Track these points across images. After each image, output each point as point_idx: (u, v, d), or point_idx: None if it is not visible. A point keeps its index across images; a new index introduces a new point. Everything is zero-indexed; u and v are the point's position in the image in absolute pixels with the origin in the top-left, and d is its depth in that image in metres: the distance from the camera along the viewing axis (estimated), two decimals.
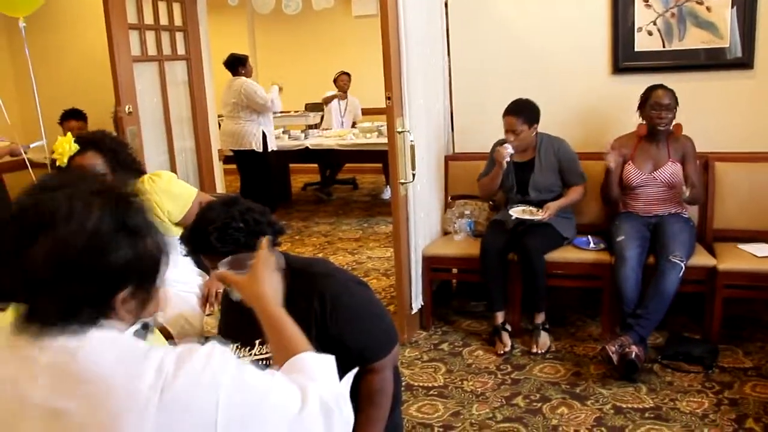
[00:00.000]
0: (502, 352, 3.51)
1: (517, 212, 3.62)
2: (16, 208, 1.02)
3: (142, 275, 1.08)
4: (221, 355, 1.08)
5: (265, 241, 1.57)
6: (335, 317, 1.88)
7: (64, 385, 0.97)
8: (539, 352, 3.49)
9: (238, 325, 1.97)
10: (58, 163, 2.42)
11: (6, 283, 1.00)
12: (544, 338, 3.55)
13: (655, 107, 3.50)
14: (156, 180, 2.63)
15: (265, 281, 1.44)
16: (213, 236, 1.83)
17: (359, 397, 1.96)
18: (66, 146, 2.39)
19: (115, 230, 1.02)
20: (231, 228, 1.84)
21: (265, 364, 1.89)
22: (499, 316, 3.63)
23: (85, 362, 0.99)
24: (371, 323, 1.97)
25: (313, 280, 1.94)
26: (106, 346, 1.02)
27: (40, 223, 0.98)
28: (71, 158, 2.41)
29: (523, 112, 3.64)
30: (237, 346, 1.96)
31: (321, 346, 1.88)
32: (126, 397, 0.97)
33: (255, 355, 1.93)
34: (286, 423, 1.10)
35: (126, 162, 2.55)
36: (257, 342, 1.93)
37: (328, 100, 7.88)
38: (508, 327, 3.64)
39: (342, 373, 1.88)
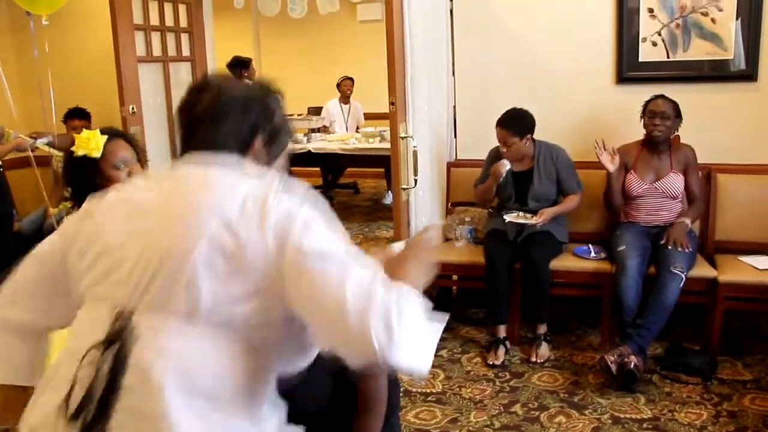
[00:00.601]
0: (492, 363, 3.48)
1: (511, 217, 3.62)
2: (194, 83, 1.52)
3: (271, 134, 1.46)
4: (323, 215, 1.32)
5: (431, 229, 1.63)
6: None
7: (195, 180, 1.36)
8: (538, 361, 3.48)
9: None
10: (93, 155, 2.41)
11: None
12: (545, 349, 3.54)
13: (650, 115, 3.52)
14: None
15: (409, 271, 1.46)
16: None
17: (361, 400, 1.96)
18: (95, 138, 2.41)
19: (258, 97, 1.47)
20: None
21: None
22: (502, 330, 3.59)
23: (217, 165, 1.38)
24: None
25: None
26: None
27: (205, 87, 1.46)
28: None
29: (513, 124, 3.62)
30: None
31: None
32: (231, 190, 1.32)
33: None
34: (345, 279, 1.21)
35: (142, 157, 2.58)
36: None
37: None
38: (508, 343, 3.61)
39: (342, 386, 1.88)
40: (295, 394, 1.85)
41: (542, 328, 3.60)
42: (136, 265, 1.28)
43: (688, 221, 3.49)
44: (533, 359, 3.49)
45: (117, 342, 1.24)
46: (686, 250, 3.35)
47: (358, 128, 7.80)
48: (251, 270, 1.24)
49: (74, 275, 1.39)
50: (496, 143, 3.89)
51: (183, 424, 1.19)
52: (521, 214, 3.64)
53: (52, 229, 4.23)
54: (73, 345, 1.31)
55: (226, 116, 1.41)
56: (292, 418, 1.86)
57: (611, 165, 3.53)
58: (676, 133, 3.58)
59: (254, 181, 1.34)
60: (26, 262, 1.52)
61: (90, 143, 2.42)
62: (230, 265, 1.24)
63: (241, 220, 1.26)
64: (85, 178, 2.48)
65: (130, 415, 1.20)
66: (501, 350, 3.53)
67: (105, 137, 2.46)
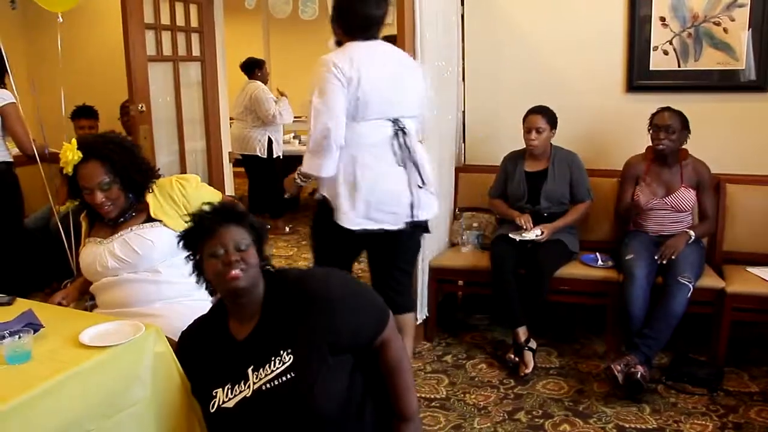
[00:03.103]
0: (524, 374, 3.40)
1: (515, 235, 3.58)
2: None
3: None
4: None
5: None
6: (339, 319, 1.85)
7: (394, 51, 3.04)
8: (527, 372, 3.41)
9: (222, 365, 1.92)
10: (65, 172, 2.43)
11: None
12: (529, 357, 3.47)
13: (656, 128, 3.49)
14: (185, 185, 2.60)
15: None
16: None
17: (385, 373, 1.94)
18: (70, 155, 2.39)
19: None
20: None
21: (267, 388, 1.83)
22: (521, 333, 3.48)
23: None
24: (366, 304, 1.96)
25: (305, 292, 1.91)
26: None
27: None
28: (76, 166, 2.42)
29: (546, 112, 3.69)
30: (228, 388, 1.88)
31: (334, 350, 1.84)
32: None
33: (254, 383, 1.84)
34: None
35: (134, 167, 2.51)
36: (249, 370, 1.86)
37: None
38: (533, 344, 3.51)
39: (366, 372, 1.93)
40: (313, 392, 1.82)
41: (524, 335, 3.50)
42: (394, 94, 2.83)
43: (692, 233, 3.46)
44: (522, 373, 3.41)
45: (400, 133, 2.85)
46: (672, 257, 3.35)
47: None
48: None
49: (356, 108, 2.75)
50: (506, 149, 3.89)
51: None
52: (524, 231, 3.61)
53: (57, 228, 4.23)
54: (372, 139, 2.80)
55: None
56: (310, 418, 1.82)
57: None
58: (684, 146, 3.55)
59: None
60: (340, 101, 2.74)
61: (66, 156, 2.40)
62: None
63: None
64: (75, 187, 2.48)
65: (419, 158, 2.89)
66: (528, 356, 3.45)
67: (79, 156, 2.41)
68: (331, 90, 2.70)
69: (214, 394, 1.90)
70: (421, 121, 3.07)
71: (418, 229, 2.97)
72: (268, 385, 1.82)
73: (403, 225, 2.84)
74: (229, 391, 1.87)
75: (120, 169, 2.46)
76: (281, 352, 1.84)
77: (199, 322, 2.05)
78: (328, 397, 1.80)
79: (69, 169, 2.41)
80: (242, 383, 1.86)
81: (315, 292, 1.88)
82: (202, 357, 1.98)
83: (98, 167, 2.42)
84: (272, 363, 1.84)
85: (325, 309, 1.85)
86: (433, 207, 3.00)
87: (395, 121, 2.84)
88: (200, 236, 1.92)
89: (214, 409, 1.89)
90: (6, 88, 3.99)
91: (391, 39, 3.12)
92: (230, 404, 1.86)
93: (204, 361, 1.97)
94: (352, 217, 2.79)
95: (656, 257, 3.40)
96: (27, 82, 4.82)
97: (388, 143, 2.82)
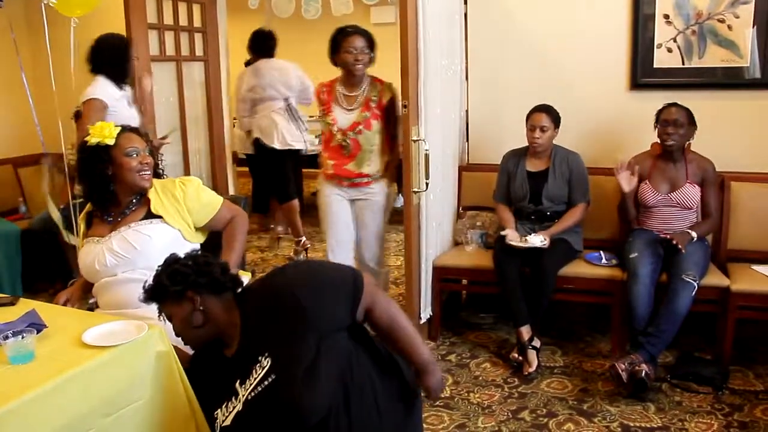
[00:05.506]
0: (527, 373, 3.39)
1: (515, 240, 3.54)
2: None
3: None
4: None
5: None
6: (309, 302, 1.83)
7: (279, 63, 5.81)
8: (531, 371, 3.40)
9: (218, 387, 1.95)
10: (106, 142, 2.49)
11: None
12: (532, 356, 3.46)
13: (664, 123, 3.48)
14: (187, 183, 2.63)
15: None
16: (162, 276, 1.92)
17: (383, 336, 1.98)
18: (106, 130, 2.50)
19: None
20: (179, 264, 1.94)
21: (254, 397, 1.83)
22: (525, 332, 3.47)
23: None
24: (328, 279, 1.94)
25: (269, 291, 1.94)
26: None
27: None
28: (117, 137, 2.53)
29: (550, 111, 3.68)
30: (225, 407, 1.90)
31: (321, 334, 1.84)
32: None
33: (243, 396, 1.85)
34: None
35: (154, 147, 2.80)
36: (236, 385, 1.88)
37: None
38: (537, 343, 3.51)
39: (359, 339, 1.96)
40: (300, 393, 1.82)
41: (528, 334, 3.49)
42: (280, 86, 5.43)
43: (694, 234, 3.44)
44: (526, 372, 3.41)
45: (288, 105, 5.52)
46: (681, 249, 3.31)
47: None
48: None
49: (266, 94, 5.42)
50: (508, 147, 3.87)
51: None
52: (526, 238, 3.56)
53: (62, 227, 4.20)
54: (276, 107, 5.46)
55: None
56: (300, 415, 1.82)
57: (627, 186, 3.50)
58: (689, 141, 3.54)
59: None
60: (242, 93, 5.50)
61: (104, 131, 2.50)
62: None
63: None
64: (96, 167, 2.51)
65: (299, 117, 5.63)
66: (532, 355, 3.44)
67: (119, 128, 2.54)
68: (239, 88, 5.57)
69: (216, 416, 1.92)
70: (305, 95, 5.52)
71: (292, 151, 5.56)
72: (253, 394, 1.82)
73: (287, 147, 5.49)
74: (226, 409, 1.89)
75: (148, 143, 2.64)
76: (259, 358, 1.84)
77: (203, 348, 2.07)
78: (317, 389, 1.78)
79: (112, 140, 2.50)
80: (234, 399, 1.87)
81: (277, 287, 1.91)
82: (205, 382, 2.03)
83: (137, 137, 2.59)
84: (254, 371, 1.84)
85: (291, 298, 1.83)
86: (302, 143, 5.58)
87: (285, 99, 5.47)
88: None
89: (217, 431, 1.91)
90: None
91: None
92: (228, 422, 1.87)
93: (206, 386, 2.01)
94: (268, 142, 5.43)
95: (668, 237, 3.38)
96: (34, 82, 4.82)
97: (284, 109, 5.46)
